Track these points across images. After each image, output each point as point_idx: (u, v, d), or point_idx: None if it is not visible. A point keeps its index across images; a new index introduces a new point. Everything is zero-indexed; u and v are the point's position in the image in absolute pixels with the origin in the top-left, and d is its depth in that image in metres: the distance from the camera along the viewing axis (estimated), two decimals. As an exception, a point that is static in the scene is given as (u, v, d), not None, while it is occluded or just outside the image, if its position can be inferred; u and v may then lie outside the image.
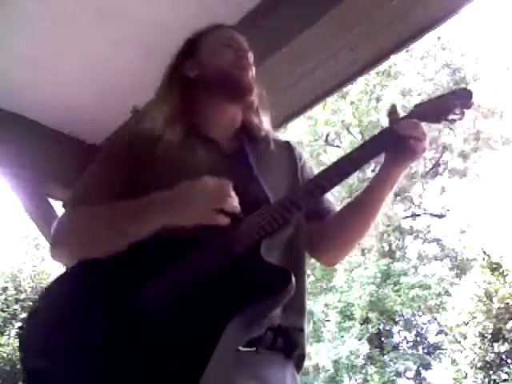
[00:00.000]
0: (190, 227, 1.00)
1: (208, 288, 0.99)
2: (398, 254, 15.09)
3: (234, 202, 1.01)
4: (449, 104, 1.18)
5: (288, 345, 1.12)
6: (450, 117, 1.18)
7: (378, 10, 1.82)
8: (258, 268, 1.01)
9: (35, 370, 1.00)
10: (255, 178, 1.16)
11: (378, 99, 14.94)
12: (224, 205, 1.00)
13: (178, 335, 0.95)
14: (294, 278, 0.96)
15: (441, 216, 15.66)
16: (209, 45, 1.33)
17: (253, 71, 1.30)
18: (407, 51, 14.57)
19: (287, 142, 1.39)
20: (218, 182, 1.03)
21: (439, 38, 14.95)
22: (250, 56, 1.32)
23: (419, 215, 15.96)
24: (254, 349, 1.05)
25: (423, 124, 1.18)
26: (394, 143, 1.16)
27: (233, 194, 1.01)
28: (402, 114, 1.22)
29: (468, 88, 1.23)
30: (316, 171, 1.27)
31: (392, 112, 1.21)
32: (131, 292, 1.01)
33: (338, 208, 1.34)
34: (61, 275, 1.11)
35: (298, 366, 1.17)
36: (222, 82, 1.26)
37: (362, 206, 1.26)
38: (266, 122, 1.33)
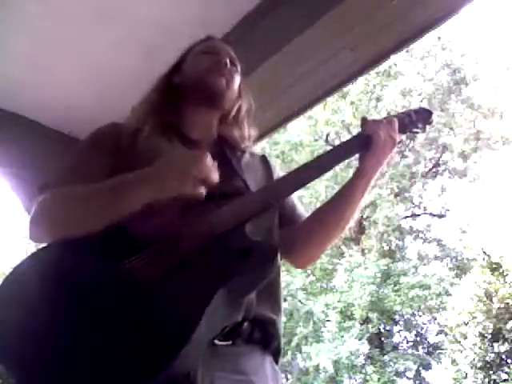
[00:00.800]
0: (170, 201, 0.98)
1: (193, 261, 0.97)
2: (398, 254, 15.09)
3: (213, 170, 1.01)
4: (413, 118, 1.37)
5: (265, 337, 1.12)
6: (414, 129, 1.38)
7: (378, 9, 1.82)
8: (244, 243, 1.02)
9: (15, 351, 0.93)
10: (238, 174, 1.21)
11: (378, 99, 14.94)
12: (202, 173, 0.99)
13: (161, 306, 0.92)
14: (279, 254, 0.99)
15: (441, 216, 15.66)
16: (191, 55, 1.39)
17: (233, 79, 1.33)
18: (407, 51, 14.57)
19: (263, 156, 1.43)
20: (195, 152, 1.05)
21: (439, 37, 14.95)
22: (230, 63, 1.33)
23: (419, 215, 15.97)
24: (230, 342, 1.05)
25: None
26: (365, 143, 1.25)
27: (210, 163, 1.01)
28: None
29: (428, 108, 1.43)
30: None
31: (363, 121, 1.31)
32: (112, 265, 0.97)
33: (309, 212, 1.38)
34: (32, 253, 1.04)
35: (275, 358, 1.17)
36: (197, 87, 1.31)
37: (340, 202, 1.30)
38: (246, 135, 1.37)
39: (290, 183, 1.15)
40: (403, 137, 1.42)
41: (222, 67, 1.31)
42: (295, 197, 1.40)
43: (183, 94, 1.34)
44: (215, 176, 1.01)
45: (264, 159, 1.42)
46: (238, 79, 1.35)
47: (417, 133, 1.39)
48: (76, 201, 1.07)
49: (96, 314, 0.93)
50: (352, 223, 1.34)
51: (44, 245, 1.06)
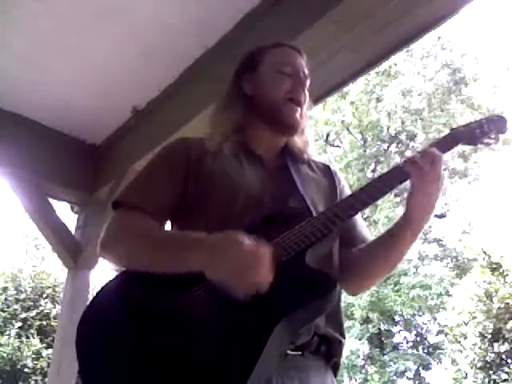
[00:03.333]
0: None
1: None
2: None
3: (268, 277, 0.98)
4: (484, 128, 1.23)
5: (329, 351, 1.15)
6: (486, 140, 1.24)
7: (378, 10, 1.82)
8: (303, 273, 1.03)
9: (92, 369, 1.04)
10: (298, 191, 1.19)
11: (378, 99, 14.94)
12: (254, 281, 0.97)
13: (226, 338, 0.97)
14: (338, 285, 0.99)
15: (441, 216, 15.65)
16: (267, 67, 1.34)
17: (306, 103, 1.31)
18: (407, 51, 14.57)
19: (328, 166, 1.41)
20: (260, 250, 0.99)
21: (439, 37, 14.95)
22: (307, 83, 1.32)
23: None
24: (300, 353, 1.08)
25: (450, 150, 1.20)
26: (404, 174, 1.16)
27: (269, 267, 0.98)
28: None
29: (503, 115, 1.27)
30: None
31: (432, 143, 1.21)
32: (176, 296, 1.04)
33: (370, 238, 1.33)
34: (110, 281, 1.16)
35: (334, 372, 1.21)
36: (271, 113, 1.29)
37: (390, 241, 1.23)
38: (310, 144, 1.37)
39: (351, 204, 1.12)
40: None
41: (299, 96, 1.29)
42: (358, 217, 1.34)
43: (254, 109, 1.31)
44: (265, 284, 0.98)
45: (328, 169, 1.39)
46: (308, 98, 1.33)
47: (489, 144, 1.24)
48: (146, 246, 1.13)
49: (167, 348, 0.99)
50: (401, 262, 1.28)
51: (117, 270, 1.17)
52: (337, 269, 1.25)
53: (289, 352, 1.06)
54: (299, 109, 1.29)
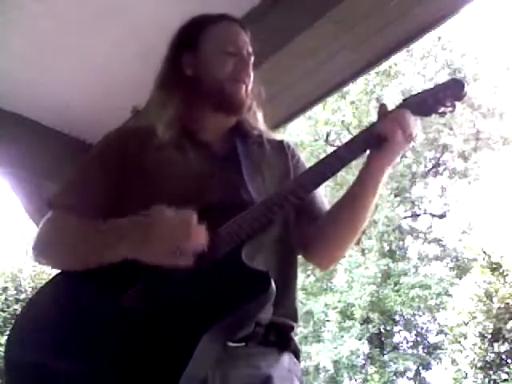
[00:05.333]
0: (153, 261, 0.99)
1: (186, 294, 0.99)
2: (399, 254, 15.08)
3: (198, 237, 0.98)
4: (439, 96, 1.13)
5: (281, 340, 1.11)
6: (441, 109, 1.14)
7: (378, 10, 1.82)
8: (237, 272, 1.00)
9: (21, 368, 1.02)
10: (243, 180, 1.14)
11: (378, 99, 14.93)
12: (186, 244, 0.97)
13: (157, 340, 0.95)
14: (273, 282, 0.95)
15: (441, 216, 15.65)
16: (210, 46, 1.27)
17: (250, 80, 1.26)
18: (407, 51, 14.56)
19: (281, 141, 1.36)
20: (180, 218, 0.99)
21: (439, 38, 14.94)
22: (251, 62, 1.27)
23: (419, 215, 15.96)
24: (243, 344, 1.05)
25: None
26: (374, 143, 1.13)
27: (196, 228, 0.98)
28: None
29: (459, 78, 1.17)
30: None
31: (381, 109, 1.17)
32: (113, 297, 1.02)
33: (328, 207, 1.29)
34: (46, 283, 1.15)
35: (296, 356, 1.16)
36: (214, 94, 1.23)
37: (353, 202, 1.20)
38: (260, 120, 1.31)
39: (296, 188, 1.08)
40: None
41: (244, 75, 1.24)
42: (316, 191, 1.24)
43: (196, 91, 1.25)
44: (200, 244, 0.98)
45: (281, 145, 1.34)
46: (252, 74, 1.28)
47: (444, 114, 1.14)
48: (75, 241, 1.12)
49: (97, 342, 0.98)
50: (366, 222, 1.24)
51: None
52: (300, 251, 1.24)
53: (229, 344, 1.02)
54: (244, 86, 1.24)
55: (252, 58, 1.28)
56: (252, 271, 1.00)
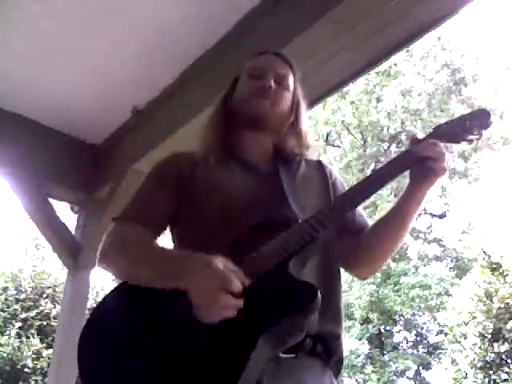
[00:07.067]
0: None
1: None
2: (398, 254, 15.08)
3: (231, 304, 0.98)
4: (466, 125, 1.21)
5: (327, 350, 1.16)
6: (469, 137, 1.22)
7: (378, 9, 1.82)
8: (285, 284, 1.05)
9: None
10: (287, 198, 1.21)
11: (378, 99, 14.94)
12: (228, 303, 0.98)
13: (209, 352, 0.99)
14: (319, 293, 1.00)
15: (441, 216, 15.66)
16: (241, 76, 1.40)
17: (279, 99, 1.33)
18: (407, 51, 14.56)
19: (318, 162, 1.43)
20: (223, 273, 1.00)
21: (439, 38, 14.94)
22: (276, 84, 1.33)
23: (420, 215, 15.96)
24: (293, 355, 1.09)
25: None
26: (414, 164, 1.20)
27: (237, 286, 0.99)
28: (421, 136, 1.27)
29: (485, 108, 1.24)
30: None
31: (412, 138, 1.26)
32: (167, 309, 1.06)
33: (370, 223, 1.38)
34: (112, 291, 1.21)
35: (336, 371, 1.22)
36: (243, 112, 1.34)
37: (392, 223, 1.29)
38: (304, 143, 1.37)
39: (337, 207, 1.15)
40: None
41: (264, 92, 1.32)
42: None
43: (235, 118, 1.36)
44: (235, 306, 0.99)
45: (319, 165, 1.41)
46: (286, 96, 1.35)
47: (472, 141, 1.22)
48: (138, 262, 1.17)
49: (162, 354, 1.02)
50: (405, 237, 1.34)
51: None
52: (340, 263, 1.30)
53: (281, 355, 1.06)
54: (266, 101, 1.31)
55: (284, 83, 1.36)
56: (299, 283, 1.05)
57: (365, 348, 13.34)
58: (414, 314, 13.99)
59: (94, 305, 1.24)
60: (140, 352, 1.03)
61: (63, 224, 3.16)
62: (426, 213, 15.91)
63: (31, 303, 9.68)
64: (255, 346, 0.96)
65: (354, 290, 13.26)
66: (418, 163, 1.19)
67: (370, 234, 1.33)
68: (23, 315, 9.46)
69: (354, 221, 1.35)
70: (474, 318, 9.16)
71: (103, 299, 1.19)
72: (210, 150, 1.32)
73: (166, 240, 1.33)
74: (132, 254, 1.18)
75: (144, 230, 1.22)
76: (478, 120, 1.21)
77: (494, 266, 9.11)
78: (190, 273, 1.03)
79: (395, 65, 14.64)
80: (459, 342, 9.46)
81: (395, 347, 13.94)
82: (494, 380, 8.92)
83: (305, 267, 1.11)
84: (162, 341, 1.03)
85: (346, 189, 1.30)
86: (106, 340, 1.09)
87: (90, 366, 1.07)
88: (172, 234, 1.32)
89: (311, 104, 2.42)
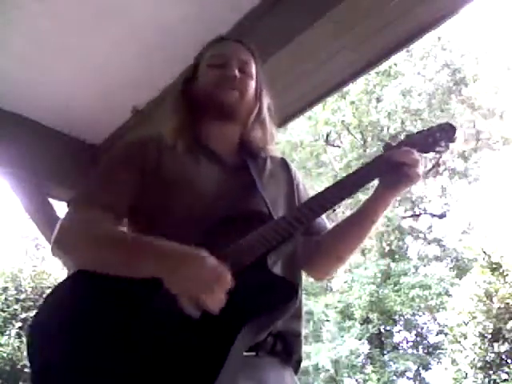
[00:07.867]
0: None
1: None
2: (398, 254, 15.09)
3: (219, 300, 0.97)
4: (436, 137, 1.27)
5: (286, 350, 1.16)
6: (437, 149, 1.28)
7: (378, 10, 1.82)
8: (266, 278, 1.05)
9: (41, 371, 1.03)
10: (258, 191, 1.21)
11: (378, 99, 14.94)
12: (208, 301, 0.97)
13: (189, 343, 0.98)
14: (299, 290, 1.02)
15: (441, 216, 15.65)
16: (201, 66, 1.37)
17: (246, 88, 1.31)
18: (407, 51, 14.55)
19: (283, 160, 1.43)
20: (221, 272, 0.99)
21: (439, 38, 14.94)
22: (240, 72, 1.31)
23: (419, 215, 15.96)
24: (254, 353, 1.09)
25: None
26: (388, 169, 1.22)
27: (228, 285, 0.98)
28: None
29: (452, 123, 1.30)
30: (310, 186, 1.33)
31: (387, 145, 1.29)
32: (139, 300, 1.03)
33: (330, 226, 1.40)
34: (62, 282, 1.15)
35: (295, 370, 1.21)
36: (209, 102, 1.30)
37: (354, 226, 1.32)
38: (269, 137, 1.36)
39: (314, 207, 1.15)
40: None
41: (231, 82, 1.29)
42: None
43: (200, 107, 1.33)
44: (220, 305, 0.98)
45: (284, 163, 1.41)
46: (251, 84, 1.33)
47: (440, 152, 1.29)
48: (99, 245, 1.11)
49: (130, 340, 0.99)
50: (362, 245, 1.36)
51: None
52: (300, 262, 1.29)
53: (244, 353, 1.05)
54: (234, 92, 1.29)
55: (247, 71, 1.33)
56: (280, 279, 1.07)
57: (365, 348, 13.35)
58: (414, 314, 13.99)
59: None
60: (112, 344, 1.00)
61: (63, 224, 3.15)
62: (426, 213, 15.91)
63: (31, 303, 9.69)
64: (234, 339, 0.95)
65: (353, 290, 13.26)
66: (393, 169, 1.21)
67: (326, 238, 1.35)
68: (23, 315, 9.46)
69: (316, 222, 1.35)
70: (474, 318, 9.17)
71: (56, 288, 1.13)
72: (178, 136, 1.28)
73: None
74: (99, 240, 1.11)
75: (104, 217, 1.15)
76: (447, 133, 1.27)
77: (494, 265, 9.11)
78: (181, 263, 1.00)
79: (395, 65, 14.64)
80: (459, 342, 9.46)
81: (395, 347, 13.94)
82: (494, 380, 8.92)
83: (276, 264, 1.12)
84: (138, 331, 0.99)
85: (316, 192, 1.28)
86: (71, 331, 1.03)
87: (53, 361, 1.02)
88: (129, 221, 1.26)
89: (311, 104, 2.43)
